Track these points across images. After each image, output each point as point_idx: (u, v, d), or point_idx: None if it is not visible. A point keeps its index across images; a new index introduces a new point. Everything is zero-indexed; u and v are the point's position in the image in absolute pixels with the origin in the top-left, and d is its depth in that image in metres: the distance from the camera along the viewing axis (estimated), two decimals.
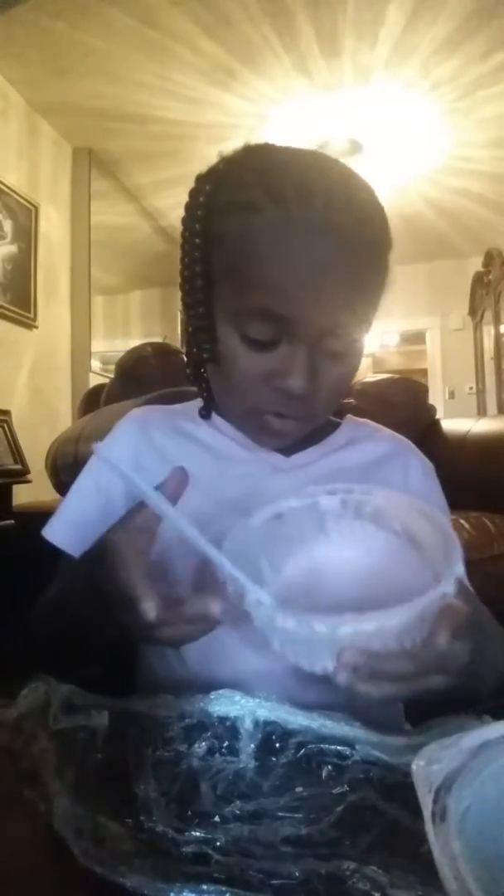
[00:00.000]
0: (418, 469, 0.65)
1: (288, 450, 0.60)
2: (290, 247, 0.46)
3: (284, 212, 0.46)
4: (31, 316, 2.81)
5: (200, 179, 0.52)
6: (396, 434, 0.68)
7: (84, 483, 0.62)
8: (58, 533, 0.60)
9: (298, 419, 0.54)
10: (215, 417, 0.62)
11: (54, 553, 0.60)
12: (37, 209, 2.85)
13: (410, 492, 0.60)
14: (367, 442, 0.65)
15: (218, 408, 0.61)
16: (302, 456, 0.60)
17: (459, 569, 0.37)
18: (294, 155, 0.50)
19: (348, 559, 0.48)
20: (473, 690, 0.50)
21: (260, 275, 0.47)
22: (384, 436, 0.67)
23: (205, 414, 0.62)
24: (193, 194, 0.51)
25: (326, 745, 0.39)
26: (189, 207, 0.51)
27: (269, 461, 0.60)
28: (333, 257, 0.46)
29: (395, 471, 0.63)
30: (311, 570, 0.48)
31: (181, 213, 0.53)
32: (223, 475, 0.59)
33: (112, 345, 4.12)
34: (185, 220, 0.52)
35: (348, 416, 0.68)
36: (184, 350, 0.59)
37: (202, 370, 0.58)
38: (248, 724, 0.41)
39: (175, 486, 0.43)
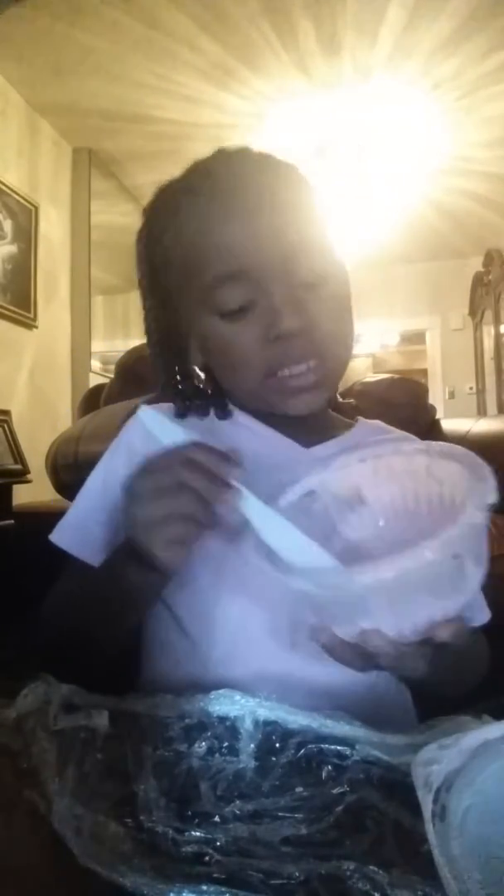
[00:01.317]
0: None
1: (307, 441, 0.59)
2: (217, 213, 0.51)
3: (203, 191, 0.52)
4: (31, 316, 2.81)
5: (139, 233, 0.59)
6: (409, 434, 0.68)
7: (90, 484, 0.61)
8: (65, 536, 0.60)
9: (311, 361, 0.53)
10: (235, 415, 0.61)
11: (55, 553, 0.60)
12: (37, 209, 2.85)
13: None
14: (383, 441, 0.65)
15: (230, 409, 0.61)
16: (320, 448, 0.60)
17: (487, 497, 0.36)
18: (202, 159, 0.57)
19: (391, 530, 0.47)
20: (450, 687, 0.53)
21: (206, 250, 0.51)
22: (398, 436, 0.68)
23: (221, 416, 0.61)
24: (137, 241, 0.58)
25: (326, 745, 0.39)
26: (137, 251, 0.58)
27: (288, 454, 0.59)
28: (256, 202, 0.51)
29: None
30: (353, 541, 0.47)
31: None
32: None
33: (112, 345, 4.11)
34: (137, 264, 0.58)
35: (360, 418, 0.69)
36: (169, 382, 0.61)
37: (199, 379, 0.58)
38: (248, 724, 0.41)
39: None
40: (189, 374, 0.59)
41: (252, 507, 0.40)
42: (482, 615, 0.58)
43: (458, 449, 0.44)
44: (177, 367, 0.59)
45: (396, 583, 0.33)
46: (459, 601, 0.37)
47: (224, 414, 0.61)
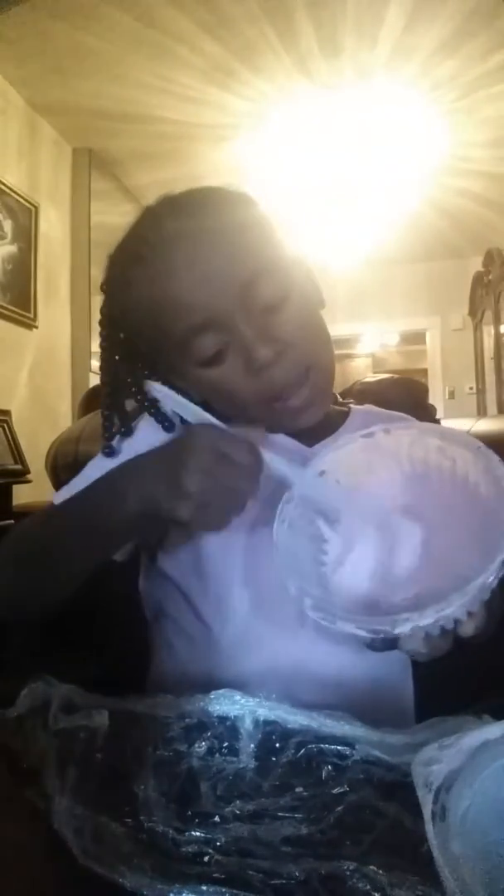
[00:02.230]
0: None
1: (309, 440, 0.60)
2: (164, 273, 0.53)
3: (150, 252, 0.54)
4: (31, 316, 2.81)
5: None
6: (403, 414, 0.70)
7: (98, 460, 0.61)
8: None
9: (300, 373, 0.54)
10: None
11: None
12: (37, 209, 2.85)
13: None
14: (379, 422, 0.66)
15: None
16: (320, 446, 0.60)
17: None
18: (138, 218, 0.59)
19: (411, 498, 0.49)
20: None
21: (164, 311, 0.53)
22: (392, 415, 0.69)
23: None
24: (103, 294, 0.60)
25: (326, 745, 0.39)
26: (101, 326, 0.60)
27: (292, 455, 0.59)
28: (196, 251, 0.52)
29: None
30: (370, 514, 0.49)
31: None
32: None
33: None
34: (101, 337, 0.60)
35: (351, 404, 0.70)
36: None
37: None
38: (248, 724, 0.41)
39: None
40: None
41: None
42: None
43: (478, 443, 0.45)
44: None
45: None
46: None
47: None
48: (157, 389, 0.51)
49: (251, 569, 0.57)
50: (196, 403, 0.58)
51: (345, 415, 0.67)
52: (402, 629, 0.37)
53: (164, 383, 0.57)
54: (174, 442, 0.49)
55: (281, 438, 0.60)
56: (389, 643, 0.40)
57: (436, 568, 0.44)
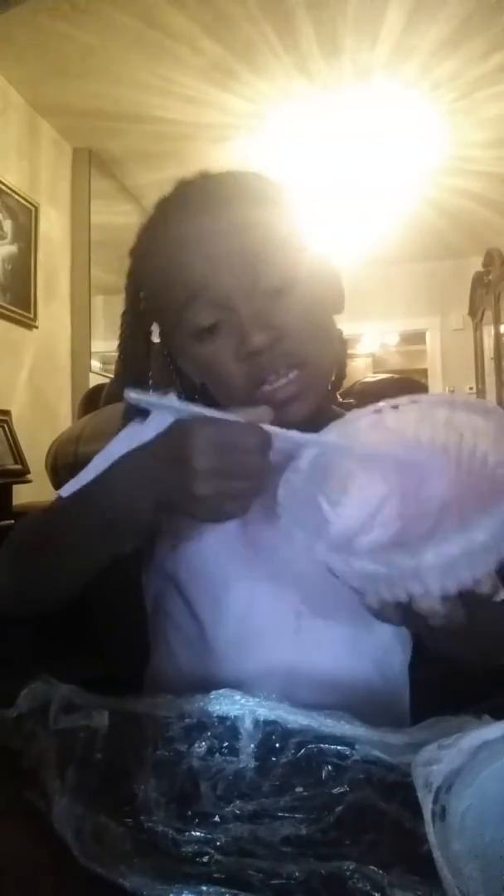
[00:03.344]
0: None
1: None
2: (178, 238, 0.53)
3: (168, 220, 0.55)
4: (31, 316, 2.81)
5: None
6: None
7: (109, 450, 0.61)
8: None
9: (291, 368, 0.53)
10: None
11: None
12: (37, 209, 2.84)
13: None
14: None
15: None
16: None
17: None
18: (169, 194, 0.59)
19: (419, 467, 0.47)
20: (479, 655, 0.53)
21: (171, 275, 0.54)
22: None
23: None
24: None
25: (326, 745, 0.39)
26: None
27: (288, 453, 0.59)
28: (211, 223, 0.53)
29: None
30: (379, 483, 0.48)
31: None
32: None
33: (112, 345, 4.09)
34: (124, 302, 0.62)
35: (354, 406, 0.68)
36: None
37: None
38: (248, 724, 0.41)
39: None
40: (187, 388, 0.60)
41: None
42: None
43: (489, 405, 0.44)
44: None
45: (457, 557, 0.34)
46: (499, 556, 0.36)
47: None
48: (134, 397, 0.45)
49: (246, 568, 0.56)
50: (195, 387, 0.58)
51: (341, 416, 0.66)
52: (425, 559, 0.34)
53: (166, 356, 0.59)
54: (172, 440, 0.46)
55: (281, 432, 0.59)
56: (402, 610, 0.37)
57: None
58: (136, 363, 0.62)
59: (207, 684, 0.50)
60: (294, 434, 0.45)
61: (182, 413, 0.44)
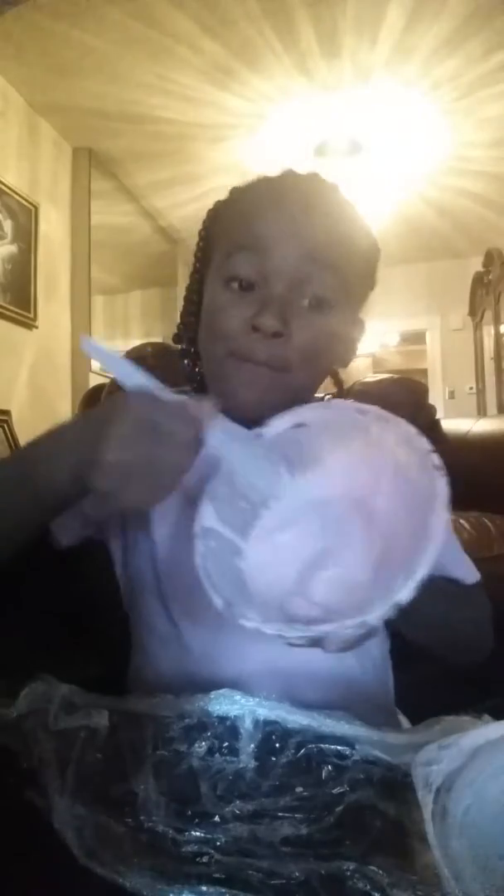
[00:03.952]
0: None
1: None
2: (268, 205, 0.55)
3: (263, 188, 0.57)
4: (31, 316, 2.81)
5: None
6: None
7: None
8: None
9: (271, 367, 0.53)
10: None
11: (54, 551, 0.60)
12: (37, 209, 2.84)
13: None
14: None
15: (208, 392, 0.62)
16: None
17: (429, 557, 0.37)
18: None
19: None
20: (441, 647, 0.58)
21: (245, 224, 0.55)
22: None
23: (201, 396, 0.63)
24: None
25: (326, 745, 0.39)
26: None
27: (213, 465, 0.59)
28: (303, 214, 0.54)
29: None
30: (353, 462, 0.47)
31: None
32: None
33: (112, 345, 4.11)
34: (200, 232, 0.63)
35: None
36: (180, 341, 0.64)
37: (192, 351, 0.61)
38: (248, 724, 0.41)
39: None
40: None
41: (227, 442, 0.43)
42: (470, 574, 0.60)
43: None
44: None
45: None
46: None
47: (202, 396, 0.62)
48: (91, 345, 0.45)
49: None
50: (192, 345, 0.59)
51: None
52: (319, 634, 0.36)
53: (191, 297, 0.61)
54: (105, 406, 0.45)
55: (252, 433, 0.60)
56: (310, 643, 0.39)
57: (365, 575, 0.43)
58: (189, 307, 0.62)
59: (186, 683, 0.50)
60: (228, 436, 0.43)
61: (129, 376, 0.42)
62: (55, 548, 0.59)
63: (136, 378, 0.43)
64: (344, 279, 0.55)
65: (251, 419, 0.53)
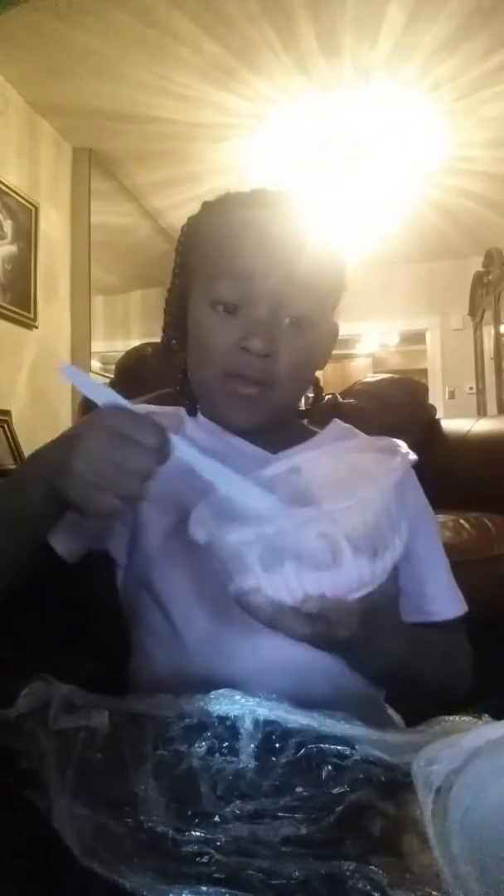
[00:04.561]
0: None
1: (274, 447, 0.61)
2: (254, 222, 0.58)
3: (251, 203, 0.60)
4: (31, 316, 2.81)
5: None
6: (384, 437, 0.69)
7: None
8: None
9: (262, 384, 0.57)
10: (201, 419, 0.65)
11: (54, 552, 0.60)
12: (37, 209, 2.84)
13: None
14: (352, 440, 0.66)
15: (199, 405, 0.65)
16: (288, 453, 0.61)
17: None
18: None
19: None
20: (408, 681, 0.59)
21: (226, 249, 0.58)
22: (364, 437, 0.69)
23: (190, 412, 0.66)
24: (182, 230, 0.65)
25: (326, 745, 0.39)
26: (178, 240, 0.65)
27: (256, 458, 0.60)
28: (288, 234, 0.58)
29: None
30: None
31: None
32: None
33: (112, 345, 4.11)
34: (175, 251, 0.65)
35: (335, 419, 0.70)
36: (165, 351, 0.67)
37: (184, 368, 0.63)
38: (248, 724, 0.41)
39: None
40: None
41: (191, 456, 0.44)
42: (449, 609, 0.61)
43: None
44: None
45: (262, 545, 0.39)
46: (331, 580, 0.39)
47: (192, 409, 0.66)
48: (70, 371, 0.48)
49: (203, 572, 0.56)
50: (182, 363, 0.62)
51: (312, 433, 0.68)
52: (231, 537, 0.38)
53: (174, 312, 0.64)
54: (78, 423, 0.49)
55: (238, 441, 0.62)
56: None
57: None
58: (172, 322, 0.66)
59: (183, 682, 0.53)
60: (190, 456, 0.44)
61: (102, 395, 0.45)
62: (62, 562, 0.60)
63: (107, 396, 0.45)
64: (318, 295, 0.59)
65: (241, 430, 0.59)
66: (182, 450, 0.44)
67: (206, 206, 0.63)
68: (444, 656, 0.61)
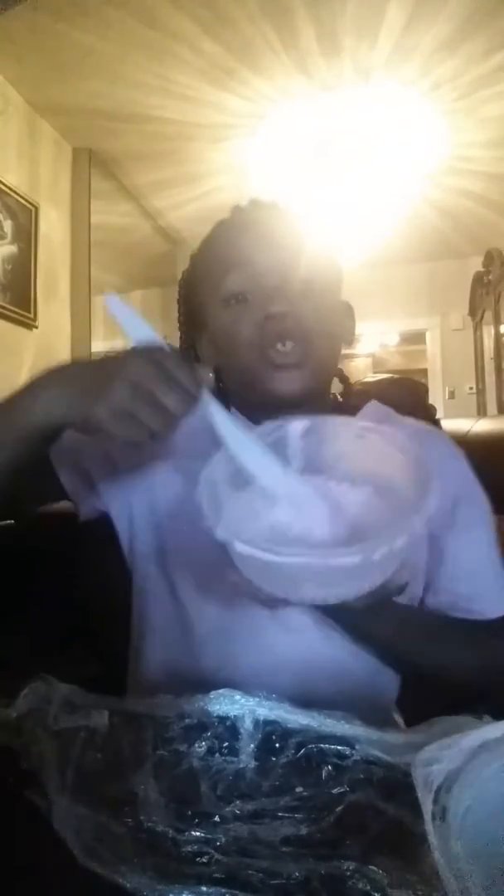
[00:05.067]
0: (447, 451, 0.69)
1: None
2: (242, 229, 0.64)
3: (232, 222, 0.66)
4: (31, 316, 2.80)
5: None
6: (421, 423, 0.72)
7: None
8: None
9: (294, 343, 0.59)
10: (235, 413, 0.66)
11: (55, 552, 0.60)
12: (37, 209, 2.84)
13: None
14: (385, 424, 0.66)
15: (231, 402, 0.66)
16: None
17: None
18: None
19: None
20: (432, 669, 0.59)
21: (225, 250, 0.64)
22: (406, 422, 0.70)
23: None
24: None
25: (326, 745, 0.39)
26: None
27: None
28: (275, 227, 0.64)
29: None
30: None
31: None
32: None
33: (112, 345, 4.11)
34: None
35: (373, 401, 0.71)
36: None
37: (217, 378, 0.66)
38: (248, 724, 0.41)
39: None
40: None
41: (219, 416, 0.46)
42: (493, 607, 0.61)
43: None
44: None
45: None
46: (323, 557, 0.39)
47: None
48: (113, 303, 0.50)
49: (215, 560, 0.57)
50: (211, 367, 0.64)
51: (344, 410, 0.69)
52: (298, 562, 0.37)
53: (193, 325, 0.67)
54: (114, 354, 0.49)
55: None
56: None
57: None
58: (188, 331, 0.71)
59: (188, 664, 0.55)
60: (218, 415, 0.46)
61: (145, 333, 0.47)
62: (76, 520, 0.63)
63: (150, 335, 0.48)
64: (318, 266, 0.64)
65: (286, 403, 0.59)
66: (211, 403, 0.45)
67: (202, 242, 0.69)
68: (482, 654, 0.60)
